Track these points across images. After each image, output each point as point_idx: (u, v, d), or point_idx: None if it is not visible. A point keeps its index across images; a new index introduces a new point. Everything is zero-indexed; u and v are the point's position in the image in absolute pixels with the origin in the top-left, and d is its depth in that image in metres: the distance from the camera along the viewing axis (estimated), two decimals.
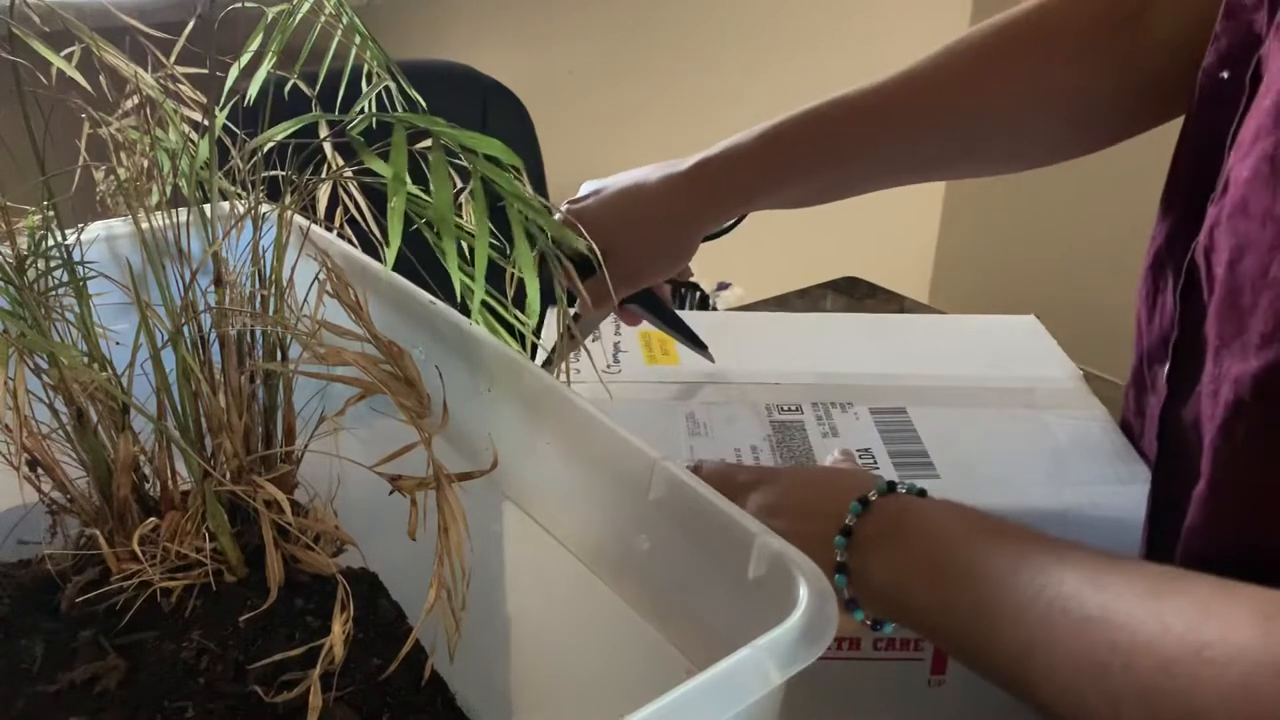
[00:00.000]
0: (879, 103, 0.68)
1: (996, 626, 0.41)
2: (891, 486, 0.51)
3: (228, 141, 0.51)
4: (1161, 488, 0.59)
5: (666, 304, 0.77)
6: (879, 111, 0.69)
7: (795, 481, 0.53)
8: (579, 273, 0.72)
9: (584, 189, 0.73)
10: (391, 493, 0.42)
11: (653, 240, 0.71)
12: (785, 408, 0.73)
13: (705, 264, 2.12)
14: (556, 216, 0.73)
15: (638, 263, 0.72)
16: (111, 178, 0.52)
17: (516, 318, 0.51)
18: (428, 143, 0.42)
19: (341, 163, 0.53)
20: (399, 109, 0.49)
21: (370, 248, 0.55)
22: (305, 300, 0.49)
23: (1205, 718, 0.33)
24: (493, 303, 0.51)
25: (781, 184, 0.70)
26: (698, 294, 1.84)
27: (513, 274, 0.48)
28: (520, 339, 0.51)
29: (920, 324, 0.90)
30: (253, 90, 0.51)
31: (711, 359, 0.77)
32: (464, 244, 0.51)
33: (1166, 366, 0.58)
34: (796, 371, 0.77)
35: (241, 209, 0.49)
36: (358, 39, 0.51)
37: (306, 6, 0.49)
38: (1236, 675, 0.33)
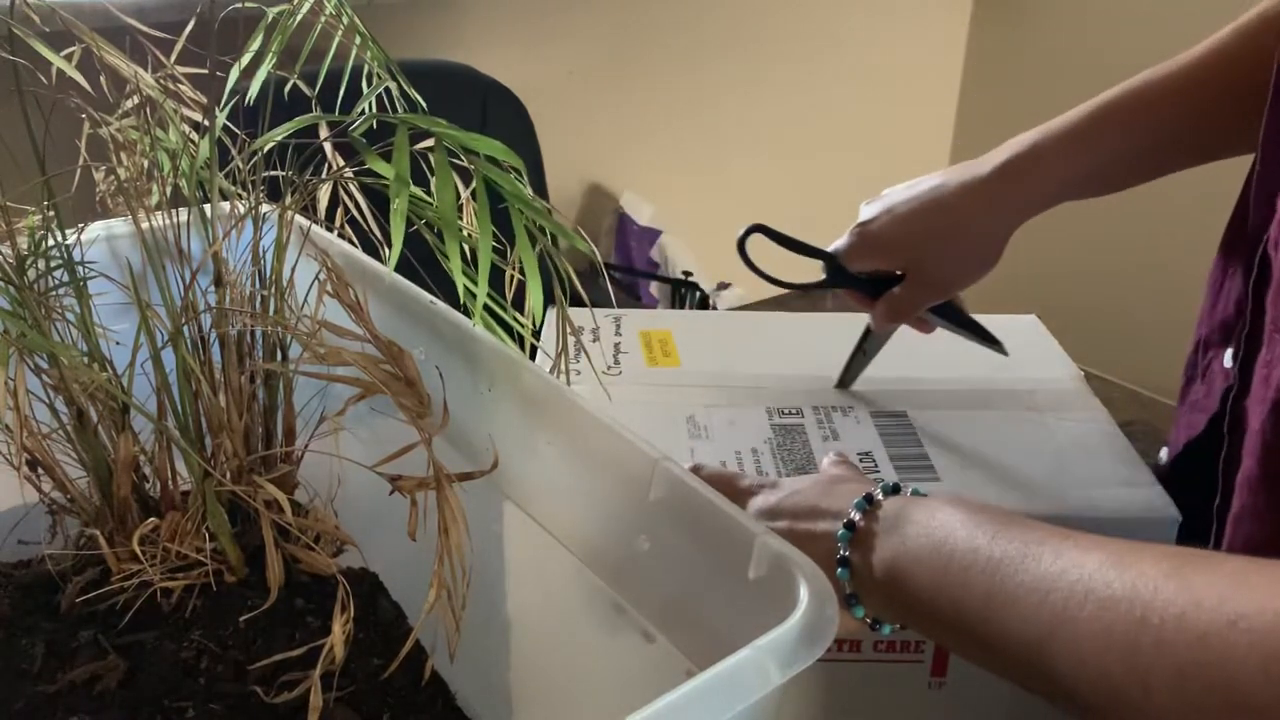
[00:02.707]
0: (1188, 83, 0.68)
1: (1014, 612, 0.41)
2: (896, 488, 0.51)
3: (228, 142, 0.51)
4: (1229, 481, 0.58)
5: (961, 307, 0.76)
6: (1189, 91, 0.68)
7: (797, 486, 0.54)
8: (871, 290, 0.73)
9: (865, 212, 0.73)
10: (391, 493, 0.42)
11: (965, 248, 0.71)
12: (786, 411, 0.73)
13: (705, 264, 2.11)
14: (845, 240, 0.73)
15: (949, 274, 0.72)
16: (111, 178, 0.52)
17: (515, 319, 0.51)
18: (428, 143, 0.42)
19: (342, 163, 0.53)
20: (399, 109, 0.49)
21: (370, 248, 0.55)
22: (305, 300, 0.49)
23: (1243, 689, 0.33)
24: (493, 305, 0.51)
25: (1093, 174, 0.70)
26: (698, 294, 1.84)
27: (512, 275, 0.48)
28: (519, 341, 0.51)
29: None
30: (253, 90, 0.51)
31: (1005, 353, 0.76)
32: (464, 246, 0.51)
33: (1227, 352, 0.58)
34: (797, 374, 0.77)
35: (242, 209, 0.49)
36: (358, 39, 0.51)
37: (307, 7, 0.49)
38: (1276, 644, 0.33)
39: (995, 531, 0.44)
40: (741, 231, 0.74)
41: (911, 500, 0.49)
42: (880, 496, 0.49)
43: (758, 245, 0.74)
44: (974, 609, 0.43)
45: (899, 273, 0.72)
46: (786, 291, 0.77)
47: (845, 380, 0.77)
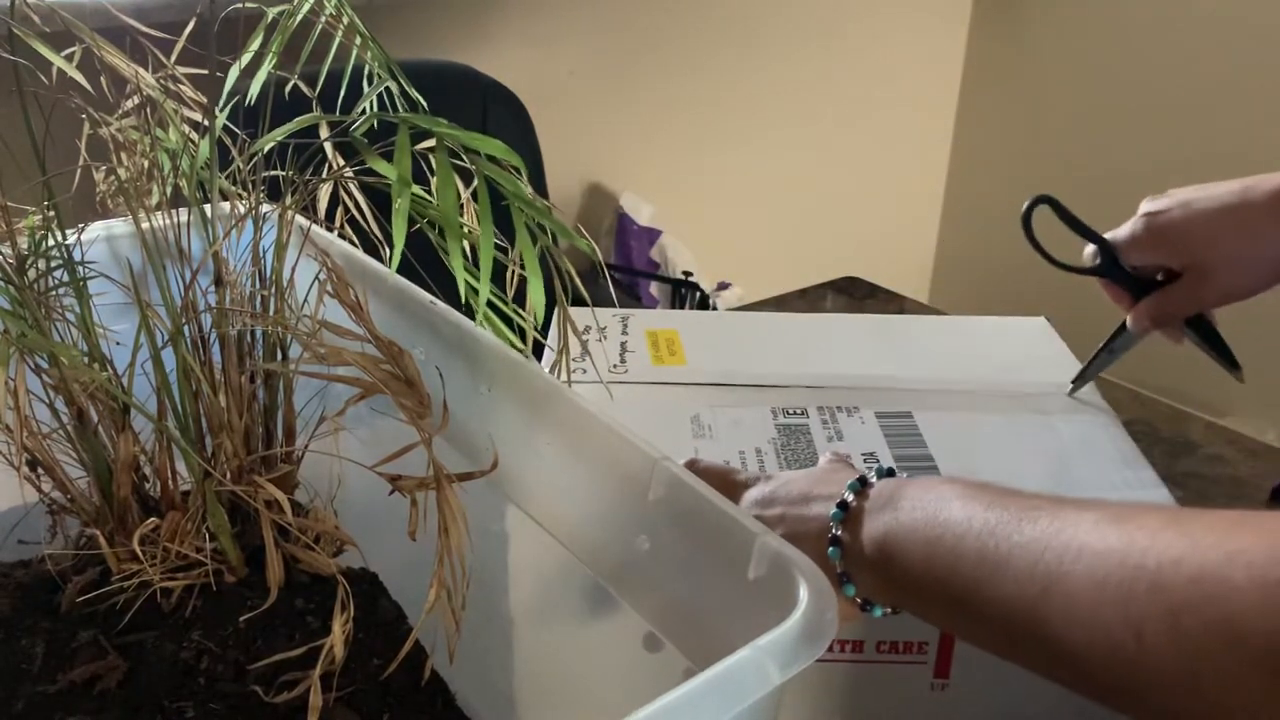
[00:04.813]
0: None
1: (1007, 573, 0.40)
2: (891, 472, 0.51)
3: (228, 142, 0.51)
4: None
5: (1214, 323, 0.74)
6: None
7: (791, 476, 0.54)
8: (1135, 288, 0.71)
9: (1149, 204, 0.71)
10: (391, 493, 0.42)
11: (1263, 256, 0.68)
12: (791, 411, 0.73)
13: (705, 264, 2.11)
14: (1127, 229, 0.71)
15: (1236, 279, 0.69)
16: (112, 178, 0.52)
17: (517, 313, 0.51)
18: (429, 143, 0.42)
19: (342, 163, 0.53)
20: (400, 109, 0.49)
21: (371, 248, 0.55)
22: (305, 300, 0.49)
23: (1241, 623, 0.32)
24: (496, 301, 0.51)
25: None
26: (698, 294, 1.84)
27: (513, 275, 0.48)
28: (522, 335, 0.51)
29: (928, 325, 0.89)
30: (253, 91, 0.51)
31: (1243, 380, 0.74)
32: (466, 245, 0.51)
33: None
34: (803, 374, 0.77)
35: (242, 209, 0.49)
36: (358, 39, 0.51)
37: (307, 7, 0.49)
38: (1275, 574, 0.32)
39: (990, 501, 0.43)
40: (1027, 202, 0.72)
41: (906, 480, 0.49)
42: (874, 479, 0.50)
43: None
44: (966, 573, 0.42)
45: (1159, 278, 0.70)
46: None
47: (1082, 379, 0.75)
